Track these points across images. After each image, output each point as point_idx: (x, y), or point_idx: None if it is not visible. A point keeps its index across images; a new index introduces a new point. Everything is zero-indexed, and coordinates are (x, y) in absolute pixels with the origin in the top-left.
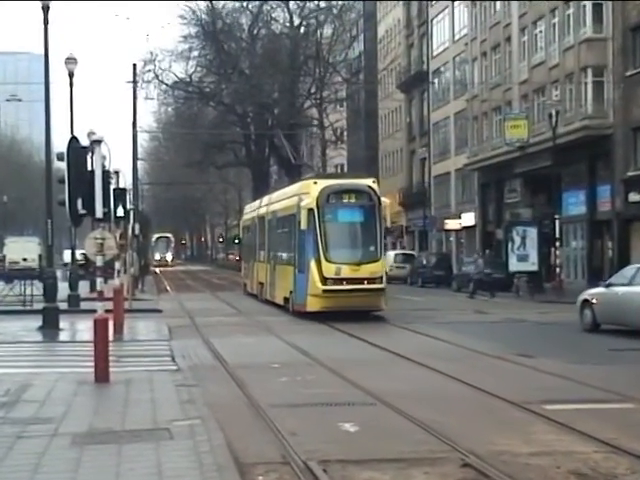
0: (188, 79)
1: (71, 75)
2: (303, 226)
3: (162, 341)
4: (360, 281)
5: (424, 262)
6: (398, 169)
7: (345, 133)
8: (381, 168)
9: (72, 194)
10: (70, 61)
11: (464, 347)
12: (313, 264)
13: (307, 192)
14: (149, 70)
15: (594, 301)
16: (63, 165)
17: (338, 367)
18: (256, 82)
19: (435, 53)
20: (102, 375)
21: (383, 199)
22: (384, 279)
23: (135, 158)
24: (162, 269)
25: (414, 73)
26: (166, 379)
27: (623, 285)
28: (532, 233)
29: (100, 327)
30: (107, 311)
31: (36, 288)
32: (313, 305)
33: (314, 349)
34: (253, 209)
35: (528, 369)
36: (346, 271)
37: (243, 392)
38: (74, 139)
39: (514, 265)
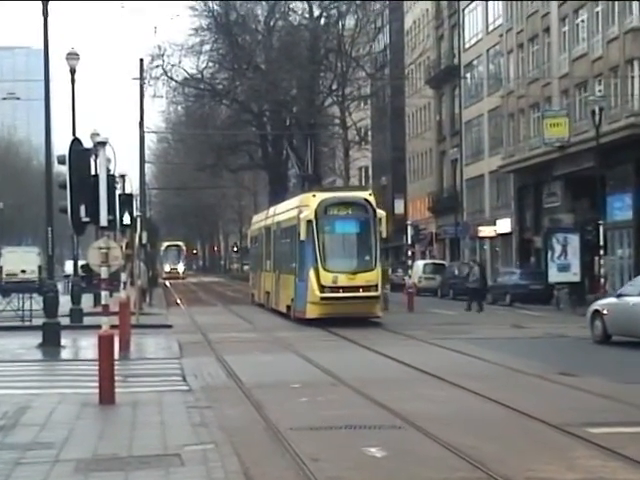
0: (199, 75)
1: (73, 71)
2: (303, 237)
3: (172, 359)
4: (356, 289)
5: (456, 272)
6: (427, 172)
7: (369, 133)
8: (408, 171)
9: (74, 200)
10: (72, 56)
11: (500, 365)
12: (312, 273)
13: (307, 205)
14: (157, 66)
15: (605, 312)
16: (64, 169)
17: (363, 387)
18: (273, 78)
19: (467, 45)
20: (107, 396)
21: (379, 211)
22: (379, 287)
23: (142, 161)
24: (172, 282)
25: (444, 67)
26: (177, 400)
27: (635, 295)
28: (574, 241)
29: (105, 344)
30: (112, 327)
31: (35, 302)
32: (312, 312)
33: (337, 367)
34: (260, 219)
35: (570, 389)
36: (343, 280)
37: (260, 414)
38: (76, 141)
39: (554, 276)
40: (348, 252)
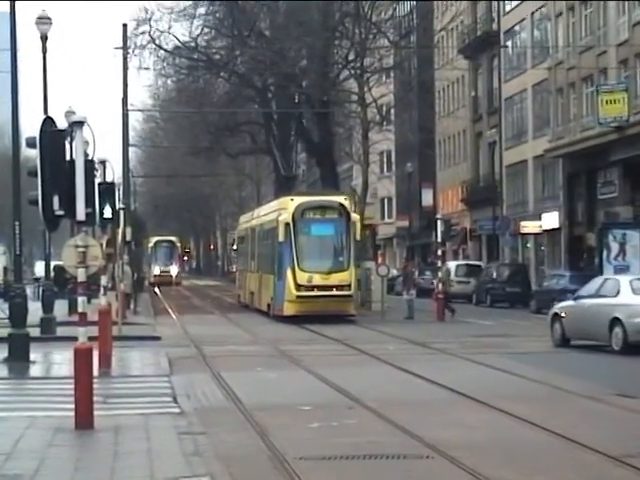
0: (193, 43)
1: (44, 39)
2: (281, 238)
3: (161, 377)
4: (330, 288)
5: (494, 275)
6: (460, 157)
7: (392, 112)
8: (438, 156)
9: (46, 190)
10: (42, 21)
11: (545, 384)
12: (289, 273)
13: (285, 208)
14: (143, 32)
15: (563, 315)
16: (34, 153)
17: (384, 409)
18: (279, 47)
19: (508, 8)
20: (84, 420)
21: (353, 215)
22: (352, 286)
23: (126, 144)
24: (164, 287)
25: (481, 34)
26: (166, 425)
27: (590, 297)
28: (634, 238)
29: (82, 359)
30: (91, 339)
31: (0, 309)
32: (289, 309)
33: (354, 386)
34: (246, 220)
35: (629, 413)
36: (317, 279)
37: (264, 441)
38: (49, 120)
39: None
40: (323, 253)
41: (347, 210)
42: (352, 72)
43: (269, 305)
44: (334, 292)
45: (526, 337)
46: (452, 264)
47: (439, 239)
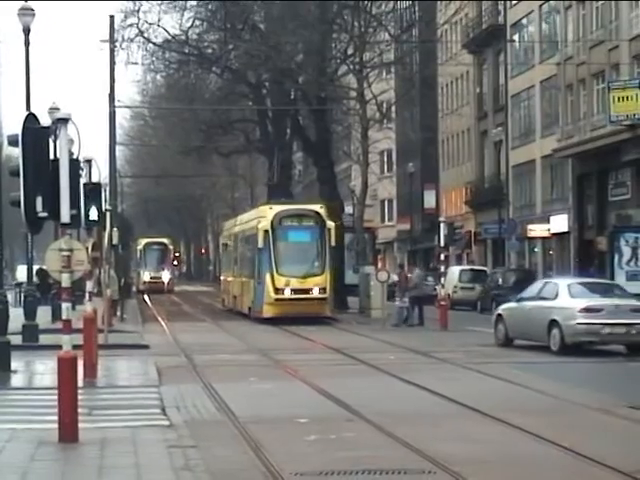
0: (183, 37)
1: (27, 31)
2: (260, 245)
3: (149, 387)
4: (306, 291)
5: (500, 281)
6: (464, 156)
7: (393, 109)
8: (441, 155)
9: (29, 190)
10: (25, 12)
11: (554, 396)
12: (268, 277)
13: (264, 216)
14: (131, 24)
15: (506, 316)
16: (16, 152)
17: (385, 422)
18: (274, 41)
19: (515, 1)
20: (69, 433)
21: (328, 222)
22: (327, 290)
23: (113, 143)
24: (153, 296)
25: (486, 28)
26: (155, 438)
27: (532, 299)
28: None
29: (66, 368)
30: (76, 347)
31: None
32: (268, 312)
33: (354, 398)
34: (230, 226)
35: None
36: (294, 283)
37: (257, 455)
38: (31, 117)
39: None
40: (299, 259)
41: (323, 218)
42: (351, 67)
43: (249, 308)
44: (310, 295)
45: (533, 346)
46: (456, 269)
47: (442, 243)
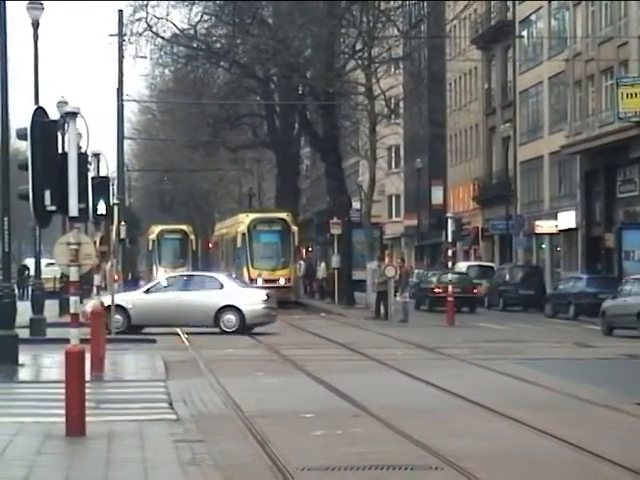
0: (192, 31)
1: (35, 25)
2: (239, 245)
3: (156, 381)
4: (275, 281)
5: (507, 278)
6: (472, 152)
7: (401, 104)
8: (449, 151)
9: (37, 184)
10: (34, 6)
11: (561, 392)
12: (245, 270)
13: (242, 222)
14: (140, 19)
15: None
16: (25, 145)
17: (392, 417)
18: (282, 36)
19: None
20: (76, 426)
21: (293, 227)
22: (292, 279)
23: (121, 137)
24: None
25: (495, 23)
26: (162, 432)
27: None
28: None
29: (73, 362)
30: (83, 341)
31: None
32: None
33: (360, 393)
34: (219, 229)
35: None
36: (265, 274)
37: (264, 450)
38: (40, 110)
39: None
40: (270, 255)
41: (288, 223)
42: (359, 62)
43: None
44: (278, 284)
45: (541, 342)
46: (463, 265)
47: (449, 239)
